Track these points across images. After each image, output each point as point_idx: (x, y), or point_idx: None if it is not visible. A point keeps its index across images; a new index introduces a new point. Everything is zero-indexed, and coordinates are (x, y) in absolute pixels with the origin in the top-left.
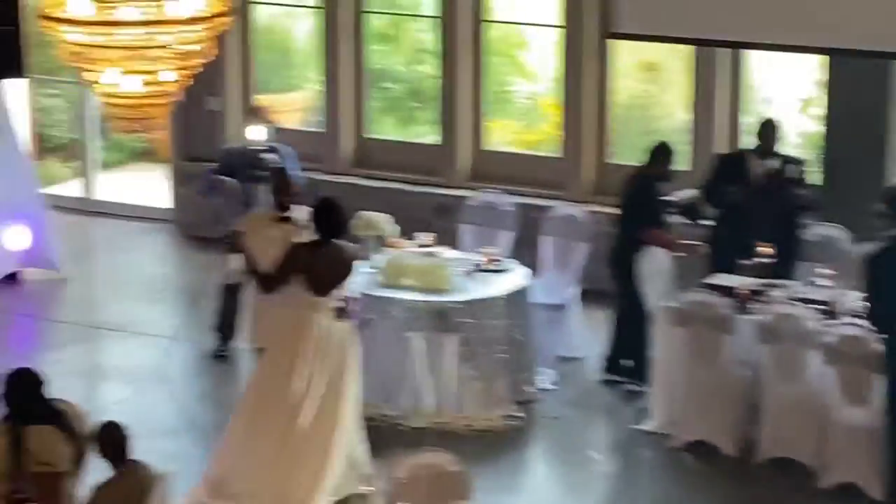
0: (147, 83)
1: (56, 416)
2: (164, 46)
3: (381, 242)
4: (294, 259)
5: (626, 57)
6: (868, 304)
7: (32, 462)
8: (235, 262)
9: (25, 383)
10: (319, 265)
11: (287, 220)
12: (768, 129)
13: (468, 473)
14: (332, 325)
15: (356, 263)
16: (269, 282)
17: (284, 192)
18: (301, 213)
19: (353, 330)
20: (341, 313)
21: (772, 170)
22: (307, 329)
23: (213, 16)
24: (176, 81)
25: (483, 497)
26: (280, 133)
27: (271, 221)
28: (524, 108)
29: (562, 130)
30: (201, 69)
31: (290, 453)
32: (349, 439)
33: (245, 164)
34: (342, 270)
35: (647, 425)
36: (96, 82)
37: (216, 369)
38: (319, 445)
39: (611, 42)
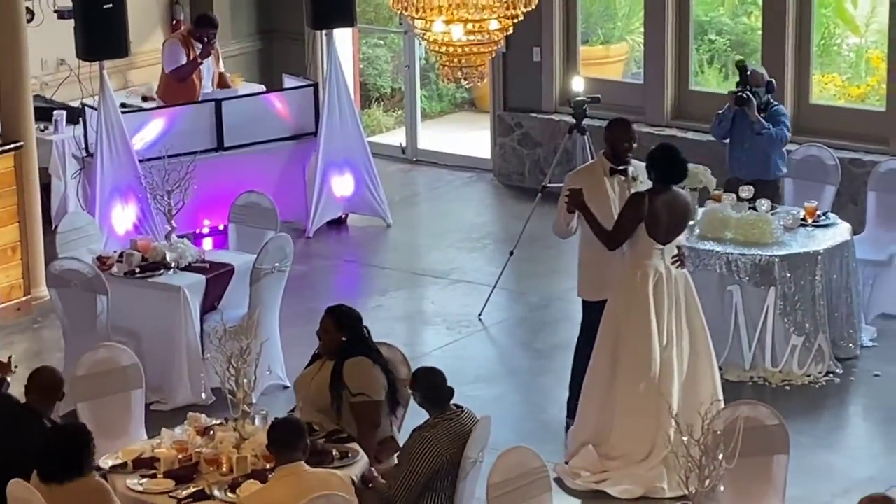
0: (471, 31)
1: (370, 350)
2: None
3: (703, 195)
4: (638, 210)
5: None
6: None
7: (349, 394)
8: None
9: (342, 318)
10: (662, 213)
11: (620, 171)
12: None
13: (786, 428)
14: (676, 274)
15: (693, 209)
16: (612, 238)
17: (621, 142)
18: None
19: (689, 277)
20: (680, 260)
21: None
22: (653, 279)
23: None
24: (499, 30)
25: (801, 453)
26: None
27: (604, 175)
28: (849, 61)
29: (887, 84)
30: (523, 18)
31: (650, 404)
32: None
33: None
34: (685, 216)
35: None
36: (428, 31)
37: (534, 317)
38: (667, 395)
39: None
